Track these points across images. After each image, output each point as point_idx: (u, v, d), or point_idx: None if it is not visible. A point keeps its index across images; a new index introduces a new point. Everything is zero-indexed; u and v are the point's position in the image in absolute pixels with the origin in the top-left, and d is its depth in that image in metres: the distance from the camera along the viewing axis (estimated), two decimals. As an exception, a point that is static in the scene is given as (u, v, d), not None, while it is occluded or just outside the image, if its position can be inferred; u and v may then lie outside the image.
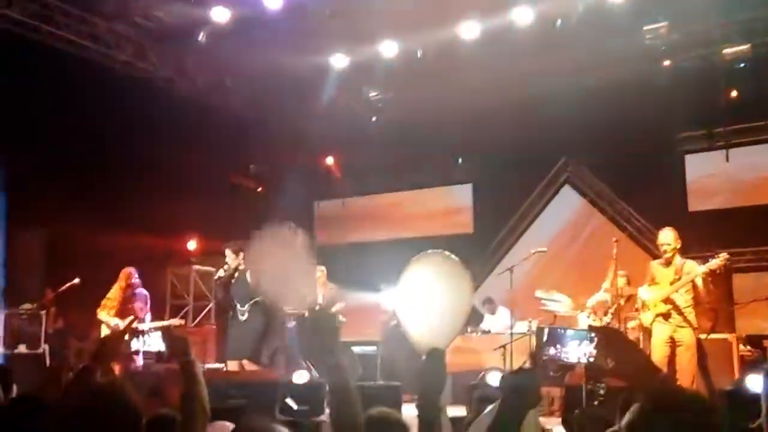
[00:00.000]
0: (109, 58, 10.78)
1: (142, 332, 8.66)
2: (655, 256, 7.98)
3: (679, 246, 7.30)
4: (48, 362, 9.35)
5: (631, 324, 8.36)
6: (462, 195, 14.46)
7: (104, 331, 8.79)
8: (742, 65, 10.91)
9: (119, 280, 8.94)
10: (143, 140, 10.92)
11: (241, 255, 8.28)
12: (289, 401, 7.07)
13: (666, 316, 7.18)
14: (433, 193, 14.70)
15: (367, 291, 9.76)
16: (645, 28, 10.42)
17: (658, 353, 7.07)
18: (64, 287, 9.55)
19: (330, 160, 14.72)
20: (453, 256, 3.21)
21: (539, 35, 10.25)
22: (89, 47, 10.50)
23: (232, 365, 8.27)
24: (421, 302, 3.17)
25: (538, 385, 2.34)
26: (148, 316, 9.05)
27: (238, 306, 8.21)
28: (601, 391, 6.20)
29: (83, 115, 9.93)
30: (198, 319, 12.73)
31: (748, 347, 8.95)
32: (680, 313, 7.13)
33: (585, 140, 12.21)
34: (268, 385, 7.25)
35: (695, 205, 12.09)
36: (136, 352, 8.65)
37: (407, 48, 11.09)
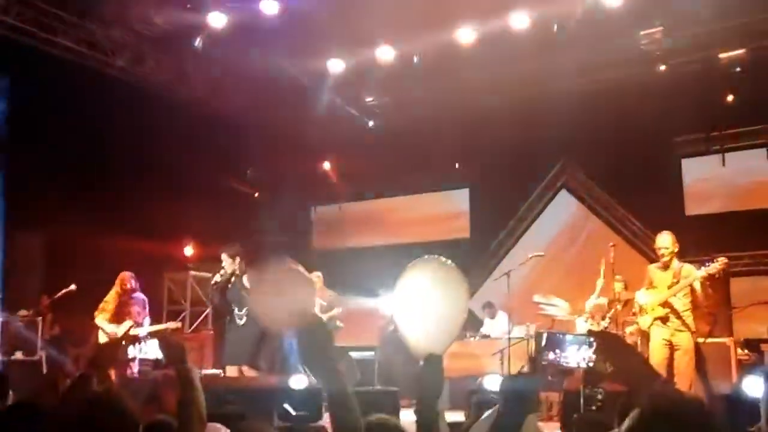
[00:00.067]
0: (106, 63, 10.79)
1: (139, 339, 8.64)
2: (652, 260, 7.98)
3: (676, 250, 7.31)
4: (45, 369, 9.32)
5: (629, 329, 8.36)
6: (459, 200, 14.46)
7: (101, 336, 8.78)
8: (738, 69, 10.94)
9: (115, 285, 8.94)
10: (141, 145, 10.92)
11: (238, 260, 8.28)
12: (287, 407, 7.05)
13: (664, 320, 7.18)
14: (431, 198, 14.70)
15: (364, 296, 9.74)
16: (641, 32, 10.44)
17: (656, 357, 7.07)
18: (60, 294, 9.54)
19: (327, 165, 14.72)
20: (449, 262, 3.20)
21: (536, 39, 10.26)
22: (87, 53, 10.51)
23: (231, 371, 8.25)
24: (417, 308, 3.16)
25: (537, 389, 2.34)
26: (147, 321, 9.03)
27: (236, 310, 8.21)
28: (600, 396, 6.18)
29: (82, 121, 9.94)
30: (195, 325, 12.71)
31: (746, 351, 8.94)
32: (678, 317, 7.13)
33: (582, 144, 12.25)
34: (266, 391, 7.22)
35: (692, 209, 12.10)
36: (133, 359, 8.63)
37: (404, 53, 11.09)
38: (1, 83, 9.65)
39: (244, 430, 2.26)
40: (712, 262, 7.16)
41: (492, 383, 7.52)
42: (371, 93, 13.09)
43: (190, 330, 12.23)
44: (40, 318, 9.69)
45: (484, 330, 10.90)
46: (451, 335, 3.00)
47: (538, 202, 13.59)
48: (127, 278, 8.98)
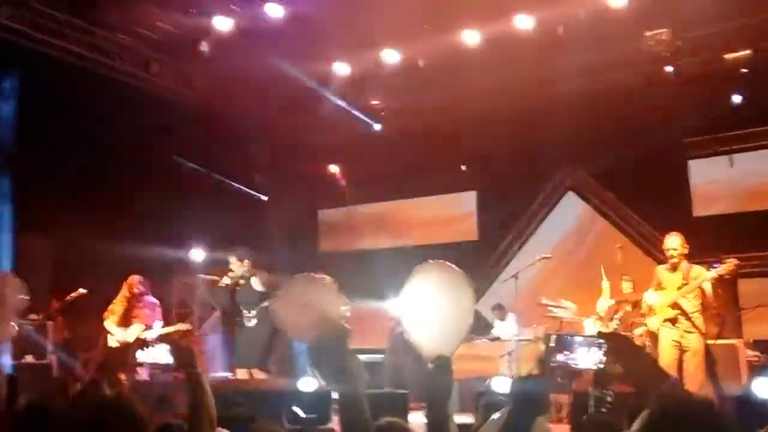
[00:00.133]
0: (112, 68, 10.83)
1: (149, 343, 8.66)
2: (660, 261, 7.96)
3: (686, 251, 7.29)
4: (55, 372, 9.35)
5: (638, 330, 8.33)
6: (466, 202, 14.44)
7: (110, 340, 8.81)
8: (745, 70, 10.90)
9: (123, 289, 8.97)
10: (148, 149, 10.96)
11: (246, 262, 8.32)
12: (296, 409, 7.05)
13: (673, 321, 7.16)
14: (438, 201, 14.68)
15: (371, 299, 9.75)
16: (646, 34, 10.42)
17: (665, 358, 7.05)
18: (69, 297, 9.57)
19: (334, 169, 14.73)
20: (454, 267, 3.21)
21: (542, 41, 10.26)
22: (93, 57, 10.55)
23: (241, 373, 8.28)
24: (423, 312, 3.18)
25: (547, 391, 2.35)
26: (159, 324, 9.05)
27: (245, 312, 8.25)
28: (609, 398, 6.17)
29: (89, 125, 9.97)
30: (203, 328, 12.72)
31: (756, 352, 8.92)
32: (688, 318, 7.11)
33: (588, 146, 12.21)
34: (275, 393, 7.24)
35: (699, 210, 12.06)
36: (143, 363, 8.64)
37: (409, 56, 11.10)
38: (9, 85, 9.71)
39: (255, 432, 2.28)
40: (721, 263, 7.15)
41: (500, 385, 7.52)
42: (377, 96, 13.10)
43: (198, 333, 12.25)
44: (50, 322, 9.73)
45: (494, 332, 10.88)
46: (459, 338, 3.01)
47: (545, 204, 13.57)
48: (135, 282, 9.01)
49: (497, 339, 10.56)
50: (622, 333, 8.22)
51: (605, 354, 6.79)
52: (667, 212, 11.22)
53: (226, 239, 10.65)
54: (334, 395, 6.62)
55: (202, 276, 12.83)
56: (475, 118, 12.29)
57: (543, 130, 11.73)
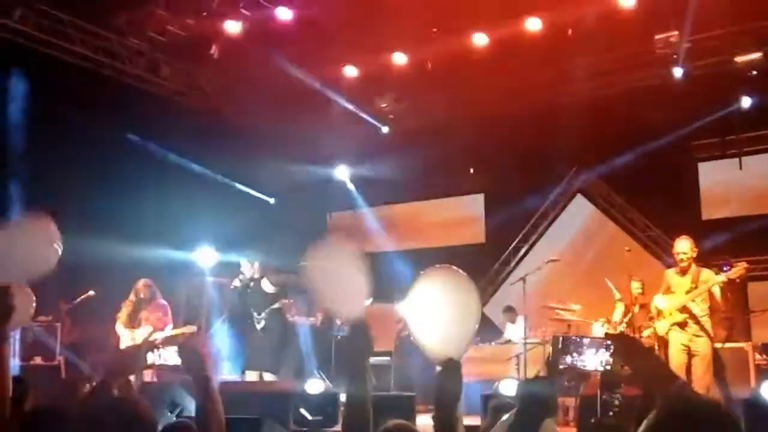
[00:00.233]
0: (122, 71, 10.87)
1: (158, 345, 8.67)
2: (668, 265, 7.94)
3: (695, 255, 7.27)
4: (63, 374, 9.38)
5: (645, 332, 8.30)
6: (474, 205, 14.44)
7: (121, 342, 8.83)
8: (755, 73, 10.86)
9: (132, 292, 9.00)
10: (157, 151, 10.99)
11: (256, 265, 8.34)
12: (303, 411, 7.07)
13: (682, 325, 7.13)
14: (445, 203, 14.68)
15: (378, 301, 9.73)
16: (656, 36, 10.40)
17: (674, 362, 7.02)
18: (78, 299, 9.60)
19: (342, 171, 14.74)
20: (460, 271, 3.21)
21: (551, 44, 10.25)
22: (103, 61, 10.60)
23: (251, 375, 8.30)
24: (429, 317, 3.19)
25: (555, 393, 2.34)
26: (169, 327, 9.06)
27: (255, 314, 8.26)
28: (616, 402, 6.16)
29: (99, 127, 10.00)
30: (211, 330, 12.72)
31: (764, 356, 8.88)
32: (697, 322, 7.08)
33: (597, 149, 12.17)
34: (283, 396, 7.25)
35: (709, 213, 12.02)
36: (151, 366, 8.66)
37: (418, 58, 11.11)
38: (17, 87, 9.74)
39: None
40: (731, 266, 7.12)
41: (508, 388, 7.51)
42: (386, 98, 13.10)
43: (206, 335, 12.25)
44: (59, 323, 9.75)
45: (506, 335, 10.85)
46: (465, 342, 3.01)
47: (553, 207, 13.56)
48: (143, 285, 9.03)
49: (509, 342, 10.50)
50: (630, 334, 8.20)
51: (612, 355, 6.77)
52: (675, 215, 11.19)
53: (236, 242, 10.67)
54: (342, 397, 6.62)
55: (212, 278, 12.86)
56: (483, 121, 12.28)
57: (551, 133, 11.69)
